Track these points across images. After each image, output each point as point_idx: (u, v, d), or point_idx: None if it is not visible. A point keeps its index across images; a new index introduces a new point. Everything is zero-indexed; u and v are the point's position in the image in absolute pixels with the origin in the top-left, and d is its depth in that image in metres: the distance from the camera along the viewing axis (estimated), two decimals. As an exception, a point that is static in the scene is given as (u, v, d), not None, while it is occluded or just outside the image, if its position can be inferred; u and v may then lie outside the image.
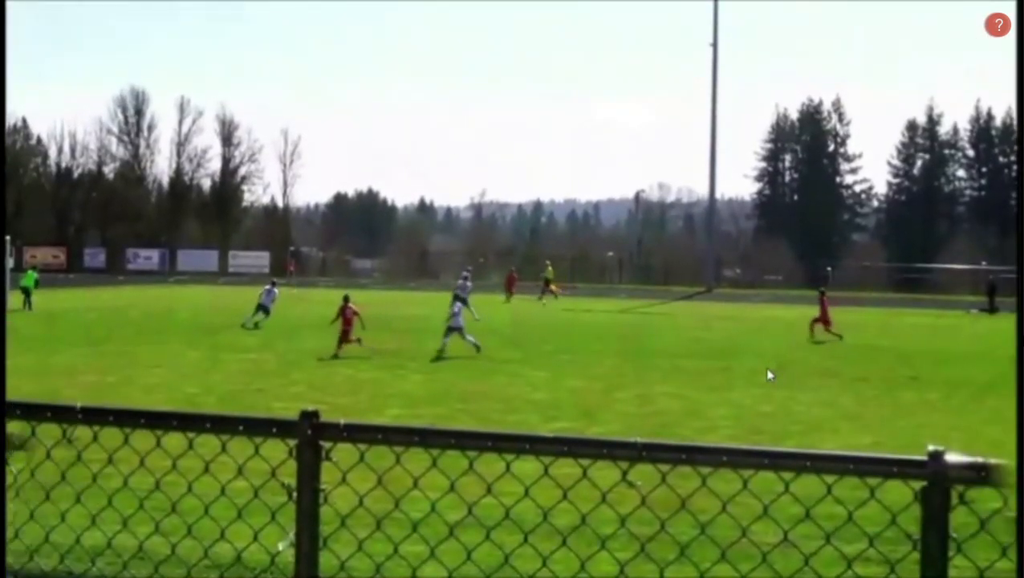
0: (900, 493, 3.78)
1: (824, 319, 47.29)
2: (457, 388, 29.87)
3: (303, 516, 4.27)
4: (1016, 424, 4.15)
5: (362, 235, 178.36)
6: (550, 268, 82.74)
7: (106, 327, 46.97)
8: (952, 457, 3.67)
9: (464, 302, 54.22)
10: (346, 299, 40.95)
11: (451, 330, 39.70)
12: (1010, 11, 6.72)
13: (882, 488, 3.85)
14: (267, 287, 50.09)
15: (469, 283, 59.28)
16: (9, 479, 5.05)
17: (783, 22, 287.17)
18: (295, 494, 4.30)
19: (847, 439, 23.03)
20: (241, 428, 4.48)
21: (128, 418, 4.76)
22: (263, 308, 48.97)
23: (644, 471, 4.05)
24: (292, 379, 31.18)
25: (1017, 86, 4.68)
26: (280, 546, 4.52)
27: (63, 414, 4.64)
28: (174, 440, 4.55)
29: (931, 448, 3.67)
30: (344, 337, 39.19)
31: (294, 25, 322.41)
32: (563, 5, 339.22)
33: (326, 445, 4.27)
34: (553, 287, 77.73)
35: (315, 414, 4.25)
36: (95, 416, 4.64)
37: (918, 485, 3.68)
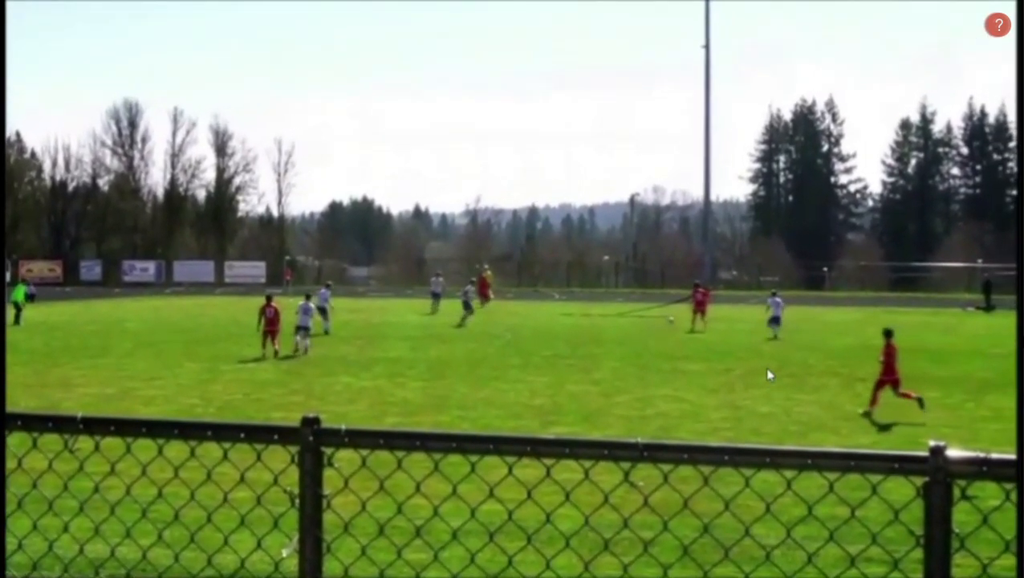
0: (903, 491, 3.79)
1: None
2: (457, 395, 29.89)
3: (306, 523, 4.27)
4: (1016, 422, 4.15)
5: (358, 243, 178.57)
6: (489, 272, 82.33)
7: (103, 340, 46.95)
8: (953, 452, 3.67)
9: (468, 307, 57.30)
10: (268, 298, 41.53)
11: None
12: (1010, 11, 6.72)
13: (884, 486, 3.85)
14: (322, 290, 52.24)
15: (471, 288, 61.63)
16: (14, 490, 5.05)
17: (776, 23, 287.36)
18: (297, 501, 4.29)
19: (847, 439, 23.08)
20: (242, 436, 4.47)
21: (129, 427, 4.75)
22: (321, 311, 49.61)
23: (646, 472, 4.05)
24: (291, 388, 31.19)
25: (1017, 86, 4.68)
26: (283, 553, 4.53)
27: (64, 424, 4.63)
28: (175, 449, 4.54)
29: (932, 443, 3.67)
30: (271, 336, 39.98)
31: (286, 33, 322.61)
32: (555, 8, 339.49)
33: (328, 451, 4.27)
34: (489, 292, 76.54)
35: (316, 420, 4.25)
36: (96, 426, 4.63)
37: (920, 481, 3.69)
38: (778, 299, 50.81)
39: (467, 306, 58.88)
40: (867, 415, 26.13)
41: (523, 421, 25.56)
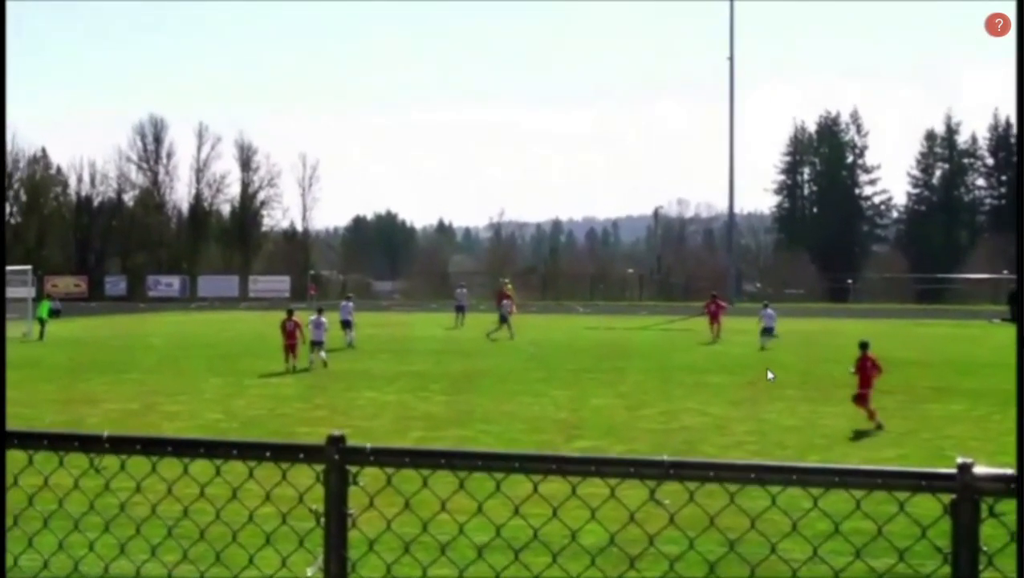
0: (929, 506, 3.77)
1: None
2: (480, 409, 29.86)
3: (331, 541, 4.27)
4: (1016, 426, 4.13)
5: (382, 257, 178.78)
6: (509, 285, 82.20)
7: (128, 355, 47.09)
8: (981, 469, 3.65)
9: (505, 320, 57.61)
10: (290, 313, 41.86)
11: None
12: (1010, 11, 6.72)
13: (911, 501, 3.84)
14: (344, 303, 53.24)
15: (508, 302, 60.72)
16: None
17: (800, 35, 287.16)
18: (323, 519, 4.30)
19: (872, 452, 22.97)
20: (268, 454, 4.48)
21: (155, 446, 4.76)
22: (345, 324, 51.02)
23: (671, 489, 4.05)
24: (315, 403, 31.21)
25: (1017, 86, 4.68)
26: (309, 572, 4.51)
27: (90, 444, 4.64)
28: (201, 466, 4.55)
29: (960, 460, 3.65)
30: (291, 349, 40.38)
31: (311, 49, 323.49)
32: (579, 20, 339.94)
33: (353, 470, 4.27)
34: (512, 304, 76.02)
35: (342, 439, 4.25)
36: (122, 445, 4.64)
37: (947, 498, 3.67)
38: (770, 311, 52.04)
39: (503, 319, 58.81)
40: (879, 428, 26.00)
41: (547, 435, 25.52)
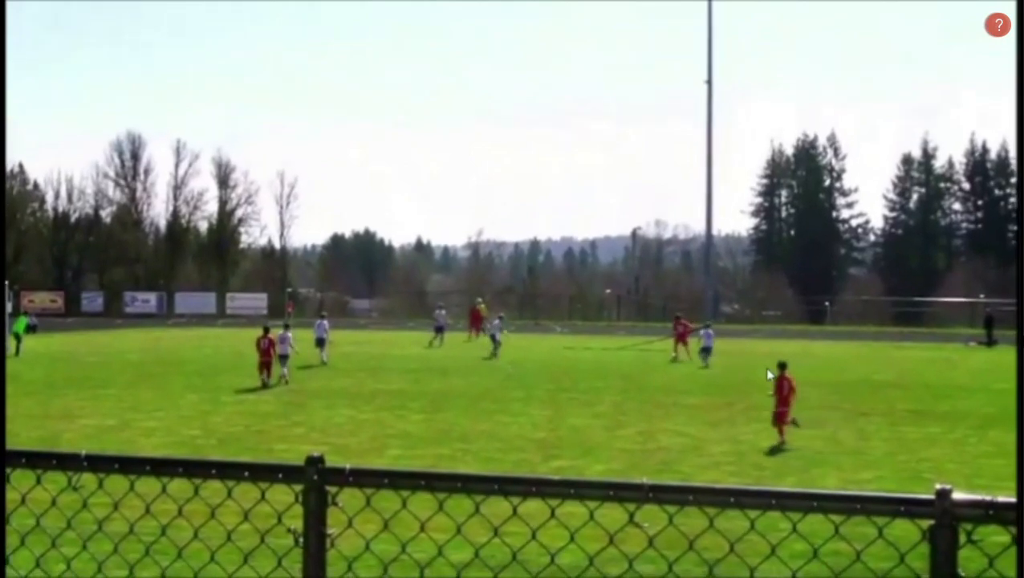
0: (908, 530, 3.79)
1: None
2: (458, 428, 29.85)
3: (310, 561, 4.27)
4: (1016, 437, 4.15)
5: (359, 275, 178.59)
6: (482, 304, 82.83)
7: (105, 371, 46.97)
8: (959, 495, 3.67)
9: (495, 340, 58.84)
10: (266, 330, 42.66)
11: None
12: (1010, 11, 6.76)
13: (890, 525, 3.86)
14: (319, 321, 54.57)
15: (499, 322, 62.20)
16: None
17: (778, 58, 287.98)
18: (301, 539, 4.29)
19: (849, 474, 23.01)
20: (247, 474, 4.48)
21: (133, 465, 4.75)
22: (319, 342, 51.85)
23: (651, 510, 4.05)
24: (293, 420, 31.16)
25: (1017, 86, 4.70)
26: (287, 592, 4.52)
27: (68, 462, 4.64)
28: (179, 485, 4.55)
29: (938, 486, 3.67)
30: (266, 366, 41.29)
31: (289, 67, 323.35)
32: (557, 42, 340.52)
33: (332, 490, 4.27)
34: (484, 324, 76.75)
35: (320, 460, 4.26)
36: (100, 464, 4.64)
37: (926, 524, 3.69)
38: (710, 331, 55.00)
39: (494, 339, 59.73)
40: (781, 445, 26.84)
41: (525, 454, 25.53)
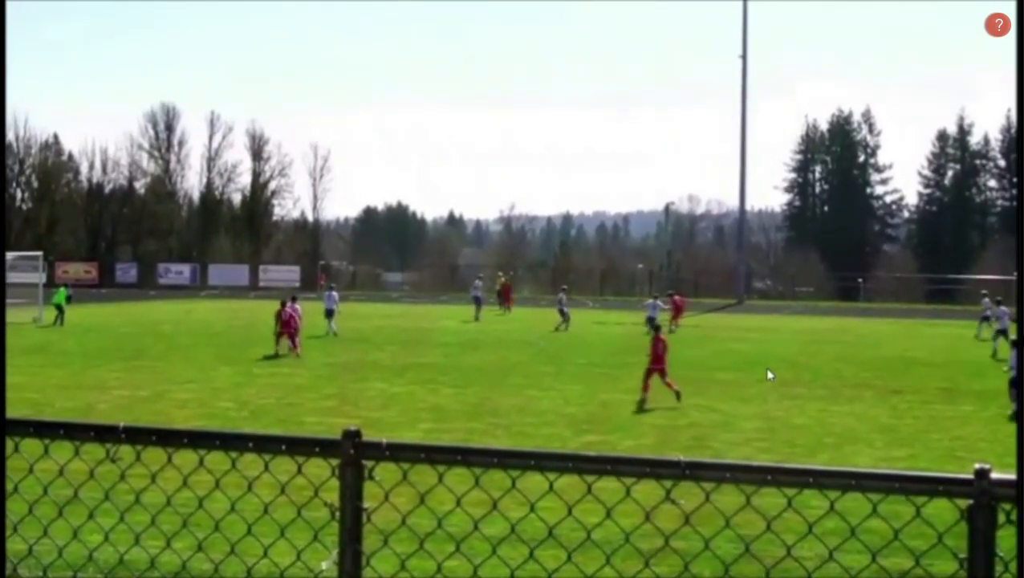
0: (946, 509, 3.77)
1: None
2: (490, 402, 29.89)
3: (346, 535, 4.27)
4: (1016, 429, 4.13)
5: (392, 249, 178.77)
6: (502, 278, 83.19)
7: (138, 342, 47.18)
8: (998, 475, 3.65)
9: (564, 314, 60.66)
10: (282, 303, 43.66)
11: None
12: (1010, 11, 6.69)
13: (927, 504, 3.84)
14: (328, 293, 54.60)
15: (564, 296, 63.96)
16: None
17: (814, 34, 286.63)
18: (338, 513, 4.30)
19: (882, 452, 22.95)
20: (283, 447, 4.49)
21: (171, 438, 4.76)
22: (328, 313, 52.34)
23: (687, 488, 4.04)
24: (324, 393, 31.24)
25: (1017, 86, 4.66)
26: (323, 565, 4.54)
27: (106, 434, 4.65)
28: (216, 459, 4.56)
29: (977, 466, 3.65)
30: (287, 335, 42.19)
31: (324, 39, 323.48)
32: (590, 19, 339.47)
33: (368, 464, 4.27)
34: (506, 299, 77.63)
35: (357, 433, 4.25)
36: (138, 436, 4.65)
37: (964, 503, 3.67)
38: (659, 302, 58.74)
39: (563, 313, 61.16)
40: (642, 402, 29.28)
41: (556, 429, 25.53)
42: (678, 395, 29.43)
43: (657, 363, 30.38)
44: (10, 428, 4.71)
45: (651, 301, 59.22)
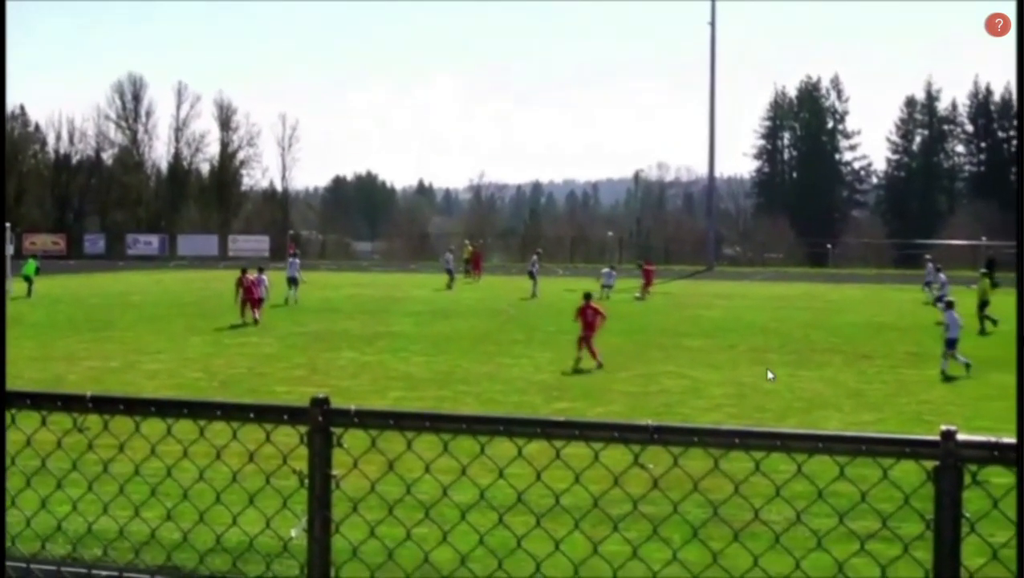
0: (912, 472, 3.79)
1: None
2: (460, 370, 29.91)
3: (315, 502, 4.27)
4: (1016, 413, 4.14)
5: (361, 218, 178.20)
6: (469, 247, 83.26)
7: (107, 313, 46.99)
8: (964, 436, 3.67)
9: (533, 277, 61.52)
10: (243, 270, 44.58)
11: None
12: (1010, 11, 6.71)
13: (894, 466, 3.86)
14: (291, 260, 54.88)
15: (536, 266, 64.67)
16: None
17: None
18: (306, 480, 4.30)
19: (850, 417, 23.07)
20: (252, 415, 4.48)
21: (138, 407, 4.75)
22: (291, 281, 52.47)
23: (655, 453, 4.05)
24: (294, 363, 31.21)
25: (1017, 86, 4.67)
26: (293, 532, 4.53)
27: (73, 403, 4.63)
28: (184, 427, 4.55)
29: (943, 427, 3.67)
30: (251, 305, 42.70)
31: (289, 8, 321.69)
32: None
33: (337, 431, 4.26)
34: (476, 267, 78.29)
35: (325, 401, 4.25)
36: (105, 405, 4.64)
37: (931, 465, 3.69)
38: (612, 271, 62.55)
39: (532, 276, 62.40)
40: (578, 361, 30.45)
41: (527, 396, 25.59)
42: (579, 359, 30.64)
43: (589, 329, 31.42)
44: (-25, 399, 4.68)
45: (606, 270, 62.10)
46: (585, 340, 31.17)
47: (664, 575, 4.82)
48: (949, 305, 31.63)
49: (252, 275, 43.72)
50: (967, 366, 29.36)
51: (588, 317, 31.61)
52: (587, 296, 33.06)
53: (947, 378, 29.05)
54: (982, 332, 40.25)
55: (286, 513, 4.84)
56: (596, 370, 29.79)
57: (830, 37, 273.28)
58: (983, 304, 42.78)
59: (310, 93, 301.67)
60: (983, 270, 48.33)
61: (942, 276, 53.83)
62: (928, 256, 70.84)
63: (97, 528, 5.76)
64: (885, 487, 4.04)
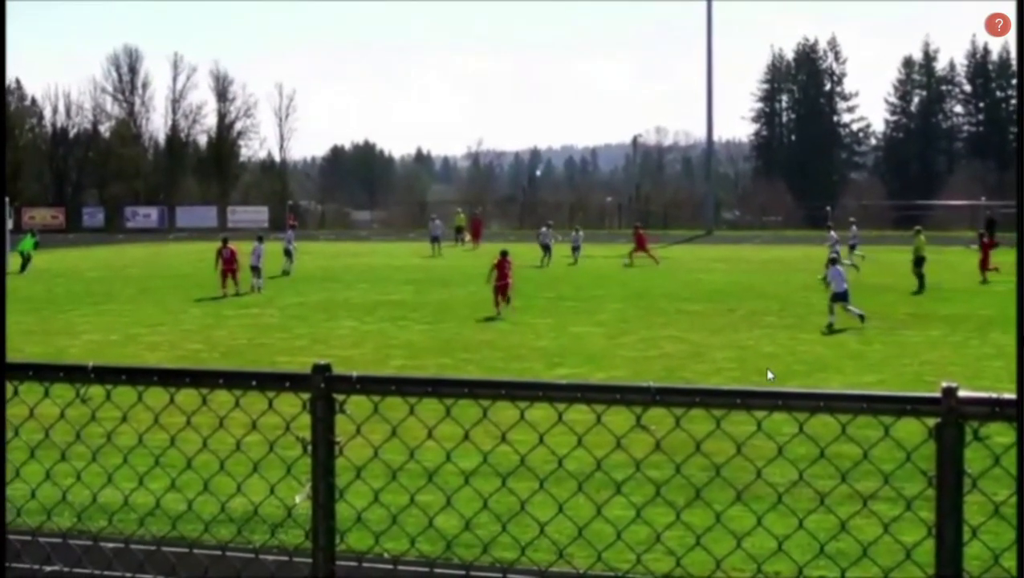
0: (914, 430, 3.80)
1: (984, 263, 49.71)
2: (461, 338, 29.95)
3: (318, 469, 4.28)
4: (1016, 369, 4.15)
5: (360, 187, 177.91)
6: (461, 215, 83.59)
7: (107, 286, 47.01)
8: (965, 393, 3.67)
9: (547, 249, 61.12)
10: (225, 241, 44.58)
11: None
12: (1010, 11, 6.71)
13: (896, 425, 3.86)
14: (288, 232, 56.57)
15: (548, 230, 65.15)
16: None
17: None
18: (310, 448, 4.30)
19: (852, 378, 23.13)
20: (254, 383, 4.48)
21: (140, 376, 4.76)
22: (286, 253, 52.56)
23: (657, 415, 4.06)
24: (295, 333, 31.26)
25: (1018, 86, 4.68)
26: (297, 499, 4.53)
27: (75, 374, 4.64)
28: (187, 397, 4.55)
29: (945, 384, 3.67)
30: (231, 275, 42.95)
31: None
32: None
33: (339, 398, 4.27)
34: (467, 235, 79.07)
35: (328, 367, 4.25)
36: (107, 375, 4.64)
37: (932, 422, 3.69)
38: (580, 234, 65.75)
39: (546, 249, 61.60)
40: (498, 315, 33.97)
41: (527, 363, 25.63)
42: (498, 313, 34.60)
43: (502, 279, 35.68)
44: (-22, 371, 4.69)
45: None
46: (501, 289, 35.34)
47: (667, 537, 4.83)
48: (832, 261, 34.09)
49: (233, 245, 43.90)
50: (861, 317, 30.99)
51: (504, 269, 35.71)
52: (504, 252, 36.25)
53: (832, 331, 30.36)
54: (920, 290, 40.56)
55: (290, 481, 4.85)
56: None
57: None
58: (919, 260, 42.96)
59: (307, 62, 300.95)
60: (916, 227, 48.88)
61: (833, 234, 58.52)
62: (852, 218, 73.13)
63: (102, 499, 5.78)
64: (887, 446, 4.05)
